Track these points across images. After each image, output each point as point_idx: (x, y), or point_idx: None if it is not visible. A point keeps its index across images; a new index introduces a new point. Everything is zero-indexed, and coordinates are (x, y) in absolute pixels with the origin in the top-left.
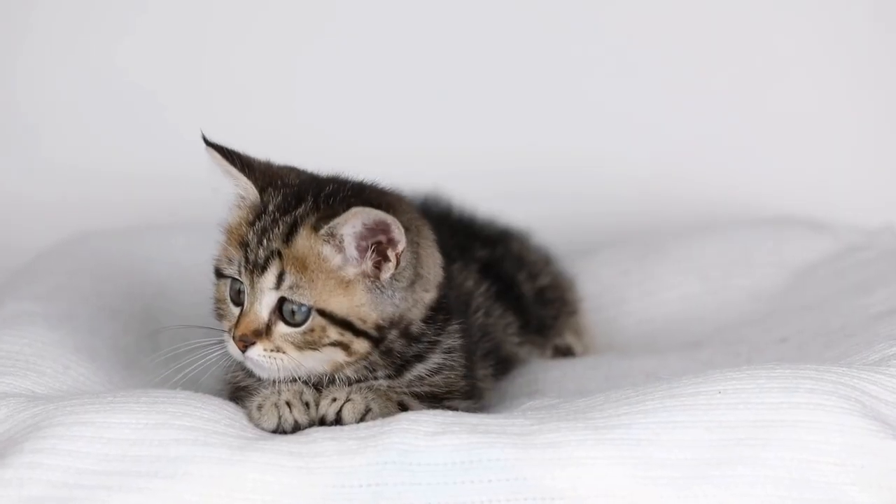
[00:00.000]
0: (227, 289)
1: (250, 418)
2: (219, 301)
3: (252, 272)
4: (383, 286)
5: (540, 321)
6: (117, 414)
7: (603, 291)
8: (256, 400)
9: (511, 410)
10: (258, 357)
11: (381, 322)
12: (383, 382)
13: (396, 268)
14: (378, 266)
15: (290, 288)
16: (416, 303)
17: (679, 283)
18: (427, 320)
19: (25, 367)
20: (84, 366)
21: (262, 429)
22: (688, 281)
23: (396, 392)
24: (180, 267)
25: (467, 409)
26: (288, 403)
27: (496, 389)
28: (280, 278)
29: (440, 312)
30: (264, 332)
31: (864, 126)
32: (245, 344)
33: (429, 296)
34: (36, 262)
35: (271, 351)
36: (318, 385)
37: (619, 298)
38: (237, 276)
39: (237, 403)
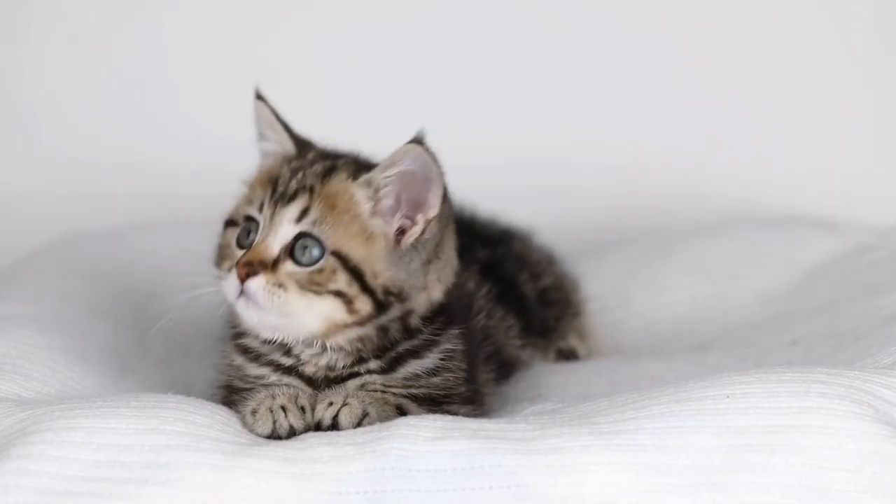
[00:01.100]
0: (235, 236)
1: (244, 423)
2: (223, 247)
3: (276, 203)
4: (402, 252)
5: (542, 323)
6: (107, 419)
7: (608, 292)
8: (250, 404)
9: (513, 415)
10: (257, 289)
11: (389, 285)
12: (377, 378)
13: (422, 234)
14: (401, 234)
15: (313, 223)
16: (424, 288)
17: (686, 285)
18: (426, 320)
19: (12, 370)
20: (73, 369)
21: (257, 434)
22: (695, 282)
23: (394, 395)
24: (174, 266)
25: (468, 415)
26: (283, 408)
27: (498, 394)
28: (304, 212)
29: (442, 315)
30: (270, 266)
31: (874, 124)
32: (248, 272)
33: (437, 290)
34: (24, 263)
35: (273, 285)
36: (313, 382)
37: (625, 300)
38: (256, 214)
39: (231, 408)
